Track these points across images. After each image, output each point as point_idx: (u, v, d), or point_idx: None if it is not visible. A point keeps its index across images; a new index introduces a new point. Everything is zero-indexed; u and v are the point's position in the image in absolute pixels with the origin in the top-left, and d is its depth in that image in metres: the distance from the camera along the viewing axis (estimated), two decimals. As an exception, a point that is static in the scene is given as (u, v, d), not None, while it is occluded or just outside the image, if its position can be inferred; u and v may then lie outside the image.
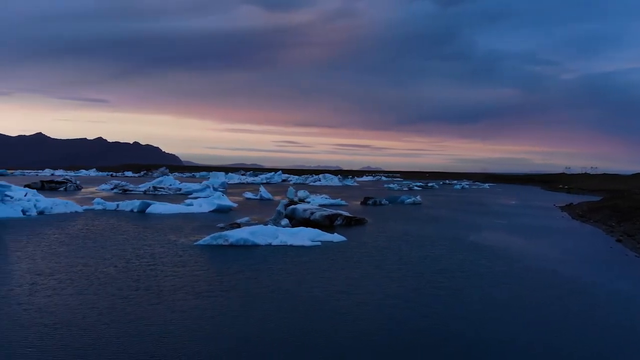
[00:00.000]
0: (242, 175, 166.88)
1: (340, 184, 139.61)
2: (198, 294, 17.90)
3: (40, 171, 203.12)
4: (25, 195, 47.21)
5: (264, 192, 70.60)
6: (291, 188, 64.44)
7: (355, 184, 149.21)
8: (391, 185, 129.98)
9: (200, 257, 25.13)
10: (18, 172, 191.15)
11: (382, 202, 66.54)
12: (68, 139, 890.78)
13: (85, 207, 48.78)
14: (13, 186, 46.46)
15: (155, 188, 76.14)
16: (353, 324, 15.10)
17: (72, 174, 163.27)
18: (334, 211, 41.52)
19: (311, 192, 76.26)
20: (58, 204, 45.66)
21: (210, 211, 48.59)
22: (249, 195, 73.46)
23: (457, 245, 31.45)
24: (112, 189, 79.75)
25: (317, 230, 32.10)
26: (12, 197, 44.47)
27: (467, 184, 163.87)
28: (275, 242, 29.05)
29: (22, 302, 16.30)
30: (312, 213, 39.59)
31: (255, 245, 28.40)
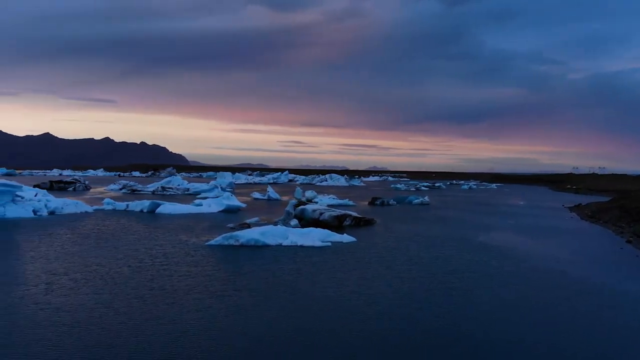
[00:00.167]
0: (249, 175, 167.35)
1: (347, 184, 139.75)
2: (212, 294, 18.08)
3: (48, 171, 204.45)
4: (35, 196, 47.64)
5: (271, 192, 70.83)
6: (299, 188, 64.61)
7: (362, 184, 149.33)
8: (398, 186, 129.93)
9: (212, 257, 25.33)
10: (26, 172, 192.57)
11: (390, 203, 66.62)
12: (75, 139, 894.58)
13: (95, 207, 49.16)
14: (24, 186, 46.88)
15: (163, 188, 76.56)
16: (365, 323, 15.22)
17: (80, 174, 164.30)
18: (343, 212, 41.64)
19: (318, 193, 76.40)
20: (68, 204, 46.05)
21: (220, 211, 48.86)
22: (256, 195, 73.70)
23: (467, 245, 31.51)
24: (120, 189, 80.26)
25: (327, 231, 32.23)
26: (23, 198, 44.90)
27: (474, 185, 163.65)
28: (285, 243, 29.21)
29: (39, 301, 16.53)
30: (321, 214, 39.73)
31: (266, 246, 28.57)
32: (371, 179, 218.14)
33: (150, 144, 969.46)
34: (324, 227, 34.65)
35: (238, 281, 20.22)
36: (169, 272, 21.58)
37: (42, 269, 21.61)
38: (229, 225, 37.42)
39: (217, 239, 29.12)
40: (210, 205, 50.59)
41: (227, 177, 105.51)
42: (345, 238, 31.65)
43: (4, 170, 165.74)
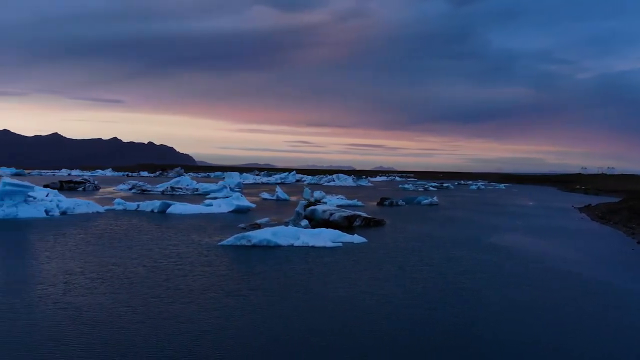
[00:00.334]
0: (257, 175, 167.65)
1: (354, 184, 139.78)
2: (227, 294, 18.29)
3: (57, 171, 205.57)
4: (47, 196, 48.10)
5: (280, 192, 71.06)
6: (307, 189, 64.77)
7: (370, 184, 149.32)
8: (406, 186, 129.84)
9: (225, 257, 25.56)
10: (35, 172, 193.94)
11: (399, 203, 66.65)
12: (83, 139, 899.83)
13: (106, 207, 49.54)
14: (36, 187, 47.33)
15: (172, 188, 76.93)
16: (378, 324, 15.38)
17: (89, 174, 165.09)
18: (353, 212, 41.77)
19: (326, 193, 76.55)
20: (80, 205, 46.45)
21: (230, 211, 49.12)
22: (265, 195, 73.96)
23: (477, 246, 31.58)
24: (130, 189, 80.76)
25: (337, 232, 32.39)
26: (35, 198, 45.35)
27: (482, 185, 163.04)
28: (297, 243, 29.39)
29: (58, 301, 16.79)
30: (331, 214, 39.89)
31: (278, 246, 28.77)
32: (378, 179, 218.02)
33: (157, 144, 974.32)
34: (334, 228, 34.79)
35: (252, 281, 20.43)
36: (184, 272, 21.82)
37: (58, 268, 21.91)
38: (240, 225, 37.66)
39: (230, 239, 29.35)
40: (221, 206, 50.88)
41: (235, 177, 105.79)
42: (356, 239, 31.78)
43: (13, 170, 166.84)
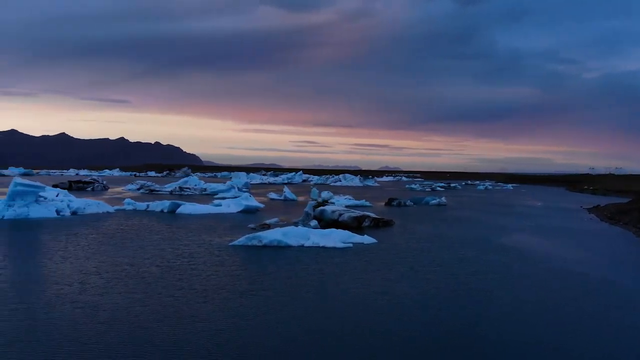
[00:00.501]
0: (263, 175, 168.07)
1: (361, 184, 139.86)
2: (241, 294, 18.46)
3: (65, 171, 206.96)
4: (57, 196, 48.48)
5: (288, 192, 71.27)
6: (314, 189, 64.87)
7: (376, 184, 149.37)
8: (413, 186, 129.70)
9: (237, 257, 25.75)
10: (43, 172, 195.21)
11: (407, 203, 66.65)
12: (91, 139, 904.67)
13: (116, 207, 49.90)
14: (47, 187, 47.70)
15: (181, 188, 77.33)
16: (391, 325, 15.49)
17: (97, 174, 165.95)
18: (362, 212, 41.85)
19: (333, 193, 76.55)
20: (90, 205, 46.81)
21: (239, 211, 49.36)
22: (273, 195, 74.18)
23: (487, 247, 31.60)
24: (138, 189, 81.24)
25: (347, 232, 32.50)
26: (45, 198, 45.71)
27: (490, 185, 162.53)
28: (307, 244, 29.52)
29: (75, 300, 17.01)
30: (340, 215, 39.99)
31: (288, 247, 28.92)
32: (385, 179, 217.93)
33: (164, 143, 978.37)
34: (343, 228, 34.89)
35: (265, 281, 20.59)
36: (197, 271, 22.02)
37: (73, 268, 22.16)
38: (249, 225, 37.85)
39: (241, 240, 29.53)
40: (230, 206, 51.11)
41: (242, 178, 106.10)
42: (366, 239, 31.88)
43: (21, 170, 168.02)
